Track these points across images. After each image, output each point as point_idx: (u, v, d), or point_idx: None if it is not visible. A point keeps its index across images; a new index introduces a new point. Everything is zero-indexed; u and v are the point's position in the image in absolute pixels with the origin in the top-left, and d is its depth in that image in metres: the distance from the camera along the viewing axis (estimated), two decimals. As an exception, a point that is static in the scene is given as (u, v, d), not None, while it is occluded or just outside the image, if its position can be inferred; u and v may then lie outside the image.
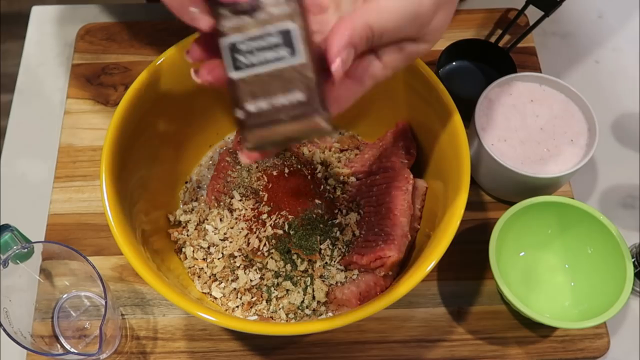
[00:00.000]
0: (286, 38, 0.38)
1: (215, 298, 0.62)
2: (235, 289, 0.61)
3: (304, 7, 0.38)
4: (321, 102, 0.38)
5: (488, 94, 0.67)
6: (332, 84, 0.40)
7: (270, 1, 0.38)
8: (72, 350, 0.62)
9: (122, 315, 0.64)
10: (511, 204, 0.63)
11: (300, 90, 0.38)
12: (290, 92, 0.38)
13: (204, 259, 0.63)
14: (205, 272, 0.62)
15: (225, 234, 0.63)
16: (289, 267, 0.61)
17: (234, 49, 0.38)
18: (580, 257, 0.64)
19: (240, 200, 0.64)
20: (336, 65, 0.39)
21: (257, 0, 0.37)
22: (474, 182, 0.70)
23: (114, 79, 0.78)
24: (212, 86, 0.40)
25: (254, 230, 0.62)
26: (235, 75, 0.38)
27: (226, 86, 0.39)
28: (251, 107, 0.38)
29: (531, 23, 0.78)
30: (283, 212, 0.62)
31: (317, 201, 0.63)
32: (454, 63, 0.75)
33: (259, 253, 0.61)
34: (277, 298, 0.61)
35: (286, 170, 0.65)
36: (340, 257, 0.62)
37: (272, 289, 0.61)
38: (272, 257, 0.61)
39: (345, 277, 0.61)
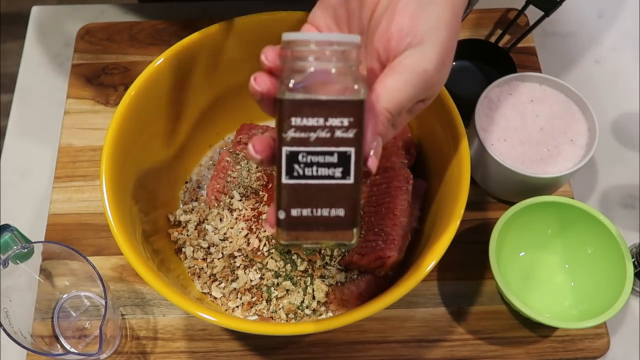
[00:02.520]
0: (342, 159, 0.40)
1: (215, 298, 0.62)
2: (235, 289, 0.61)
3: (364, 133, 0.40)
4: (357, 219, 0.41)
5: (488, 94, 0.67)
6: (369, 174, 0.42)
7: (338, 125, 0.39)
8: (72, 350, 0.62)
9: (122, 315, 0.64)
10: (511, 204, 0.63)
11: (342, 207, 0.40)
12: (334, 208, 0.40)
13: (204, 259, 0.63)
14: (205, 272, 0.62)
15: (225, 234, 0.63)
16: (289, 267, 0.61)
17: (292, 157, 0.40)
18: (580, 257, 0.64)
19: (240, 200, 0.64)
20: (370, 161, 0.41)
21: (326, 122, 0.39)
22: (474, 182, 0.70)
23: (114, 79, 0.78)
24: (260, 96, 0.41)
25: (254, 230, 0.62)
26: (287, 181, 0.40)
27: (275, 187, 0.41)
28: (294, 212, 0.40)
29: (531, 23, 0.78)
30: (283, 212, 0.62)
31: (317, 201, 0.63)
32: (454, 63, 0.75)
33: (259, 253, 0.61)
34: (277, 298, 0.61)
35: (286, 170, 0.65)
36: (340, 257, 0.62)
37: (272, 289, 0.61)
38: (272, 257, 0.61)
39: (345, 277, 0.61)
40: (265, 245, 0.61)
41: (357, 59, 0.41)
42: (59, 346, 0.62)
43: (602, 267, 0.62)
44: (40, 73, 0.81)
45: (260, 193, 0.64)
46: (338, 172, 0.40)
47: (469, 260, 0.66)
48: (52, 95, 0.79)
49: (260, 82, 0.41)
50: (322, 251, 0.61)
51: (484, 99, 0.66)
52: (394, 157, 0.65)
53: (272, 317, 0.60)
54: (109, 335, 0.57)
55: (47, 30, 0.84)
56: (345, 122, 0.39)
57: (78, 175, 0.72)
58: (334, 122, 0.39)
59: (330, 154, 0.40)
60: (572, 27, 0.84)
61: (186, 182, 0.69)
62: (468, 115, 0.66)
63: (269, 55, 0.41)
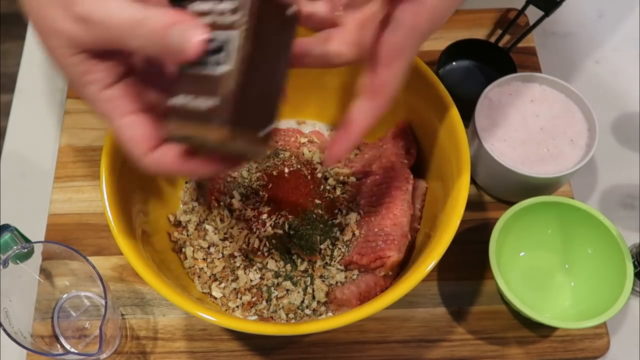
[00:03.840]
0: (224, 45, 0.37)
1: (215, 298, 0.62)
2: (235, 289, 0.61)
3: (258, 15, 0.37)
4: (238, 116, 0.37)
5: (488, 94, 0.67)
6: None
7: (225, 9, 0.38)
8: (72, 350, 0.62)
9: (122, 315, 0.64)
10: (511, 204, 0.63)
11: (215, 96, 0.37)
12: (207, 96, 0.37)
13: (204, 259, 0.63)
14: (205, 272, 0.62)
15: (225, 234, 0.63)
16: (289, 267, 0.61)
17: None
18: (580, 257, 0.64)
19: (240, 200, 0.64)
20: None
21: (217, 7, 0.38)
22: (474, 182, 0.70)
23: (114, 79, 0.78)
24: None
25: (254, 230, 0.62)
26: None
27: None
28: (171, 100, 0.39)
29: (531, 23, 0.78)
30: (283, 212, 0.62)
31: (317, 201, 0.64)
32: (454, 63, 0.75)
33: (259, 253, 0.61)
34: (277, 298, 0.61)
35: (286, 170, 0.65)
36: (340, 257, 0.62)
37: (272, 289, 0.61)
38: (272, 257, 0.61)
39: (345, 277, 0.61)
40: (265, 245, 0.61)
41: None
42: (59, 346, 0.62)
43: (602, 267, 0.62)
44: (40, 73, 0.81)
45: (261, 193, 0.64)
46: (221, 58, 0.37)
47: (469, 260, 0.66)
48: (52, 95, 0.79)
49: None
50: (322, 251, 0.61)
51: (484, 99, 0.66)
52: (394, 157, 0.65)
53: (272, 317, 0.60)
54: (109, 335, 0.57)
55: (47, 30, 0.84)
56: (230, 5, 0.37)
57: (78, 175, 0.72)
58: (222, 7, 0.38)
59: (212, 40, 0.37)
60: (572, 27, 0.84)
61: (186, 182, 0.69)
62: (468, 115, 0.66)
63: None
